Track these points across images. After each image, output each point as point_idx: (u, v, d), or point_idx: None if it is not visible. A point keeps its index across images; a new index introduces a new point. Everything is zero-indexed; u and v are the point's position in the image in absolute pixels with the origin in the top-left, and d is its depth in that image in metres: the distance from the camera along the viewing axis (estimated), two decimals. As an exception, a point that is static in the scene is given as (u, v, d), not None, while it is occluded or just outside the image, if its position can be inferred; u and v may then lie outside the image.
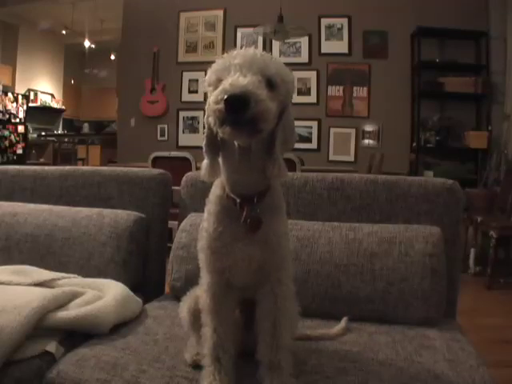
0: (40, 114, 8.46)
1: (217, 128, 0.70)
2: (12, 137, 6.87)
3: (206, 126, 0.79)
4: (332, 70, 5.11)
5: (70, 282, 1.27)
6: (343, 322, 1.12)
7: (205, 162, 0.81)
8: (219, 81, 0.72)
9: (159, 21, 5.50)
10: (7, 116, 6.82)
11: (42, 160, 7.55)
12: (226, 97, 0.65)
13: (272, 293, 0.83)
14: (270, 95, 0.71)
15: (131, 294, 1.24)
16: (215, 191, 0.84)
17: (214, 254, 0.83)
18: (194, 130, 5.42)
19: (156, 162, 3.40)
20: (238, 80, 0.67)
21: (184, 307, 0.97)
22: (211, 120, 0.71)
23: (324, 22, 5.11)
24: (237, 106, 0.65)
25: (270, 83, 0.72)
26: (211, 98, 0.69)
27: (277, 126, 0.76)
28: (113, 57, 8.91)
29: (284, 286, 0.84)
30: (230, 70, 0.70)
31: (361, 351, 1.00)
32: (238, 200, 0.80)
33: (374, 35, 4.98)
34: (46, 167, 1.69)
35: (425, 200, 1.32)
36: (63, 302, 1.09)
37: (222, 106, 0.66)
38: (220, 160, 0.81)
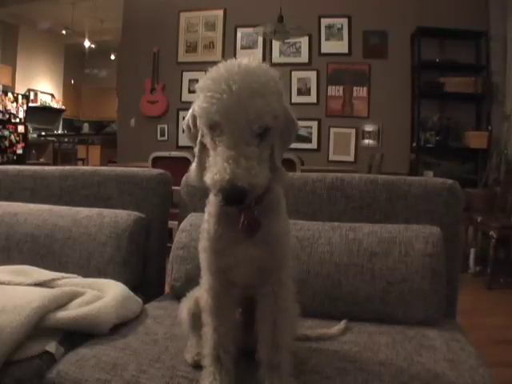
0: (40, 114, 8.47)
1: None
2: (12, 137, 6.88)
3: (198, 137, 0.79)
4: (332, 70, 5.11)
5: (70, 281, 1.27)
6: (342, 324, 1.12)
7: (194, 165, 0.81)
8: (212, 132, 0.72)
9: (159, 21, 5.50)
10: (7, 116, 6.82)
11: (42, 160, 7.56)
12: (221, 197, 0.68)
13: (272, 293, 0.83)
14: (263, 146, 0.72)
15: (131, 294, 1.24)
16: None
17: (215, 255, 0.83)
18: (193, 130, 5.41)
19: (156, 162, 3.40)
20: (233, 175, 0.67)
21: (183, 309, 0.97)
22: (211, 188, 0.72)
23: (324, 22, 5.11)
24: (233, 203, 0.69)
25: (264, 130, 0.72)
26: (208, 176, 0.70)
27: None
28: (113, 57, 8.92)
29: (284, 286, 0.84)
30: (223, 131, 0.70)
31: (361, 351, 1.00)
32: None
33: (374, 35, 4.98)
34: (46, 167, 1.69)
35: (425, 200, 1.32)
36: (63, 302, 1.09)
37: (218, 195, 0.69)
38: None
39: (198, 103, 0.73)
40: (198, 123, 0.77)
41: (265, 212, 0.81)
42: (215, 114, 0.70)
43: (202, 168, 0.77)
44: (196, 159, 0.80)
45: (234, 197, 0.68)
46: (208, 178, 0.70)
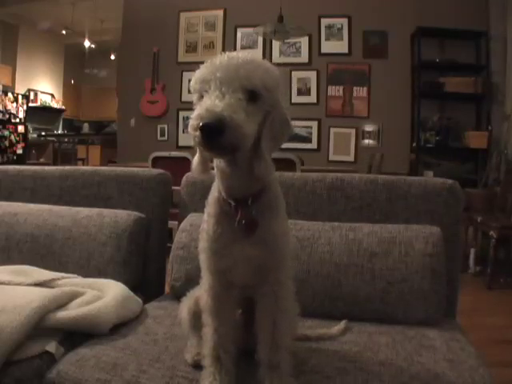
0: (40, 114, 8.46)
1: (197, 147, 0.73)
2: (12, 137, 6.88)
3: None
4: (332, 70, 5.11)
5: (70, 281, 1.27)
6: (343, 324, 1.12)
7: (195, 158, 0.81)
8: (201, 93, 0.73)
9: (159, 21, 5.50)
10: (7, 116, 6.82)
11: (42, 160, 7.56)
12: (201, 124, 0.66)
13: (271, 293, 0.83)
14: (252, 109, 0.70)
15: (131, 294, 1.24)
16: (213, 193, 0.84)
17: (214, 255, 0.83)
18: (194, 129, 5.42)
19: (156, 162, 3.40)
20: (213, 105, 0.67)
21: (184, 308, 0.97)
22: (192, 140, 0.72)
23: (324, 22, 5.11)
24: (212, 135, 0.66)
25: (254, 95, 0.71)
26: (190, 121, 0.70)
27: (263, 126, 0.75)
28: (113, 57, 8.92)
29: (283, 286, 0.84)
30: (211, 85, 0.70)
31: (361, 351, 1.00)
32: (233, 203, 0.80)
33: (374, 35, 4.98)
34: (46, 167, 1.69)
35: (425, 200, 1.32)
36: (63, 302, 1.09)
37: (198, 132, 0.67)
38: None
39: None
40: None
41: (262, 211, 0.80)
42: (205, 69, 0.73)
43: (203, 161, 0.79)
44: (198, 153, 0.80)
45: (210, 122, 0.65)
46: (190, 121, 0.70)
